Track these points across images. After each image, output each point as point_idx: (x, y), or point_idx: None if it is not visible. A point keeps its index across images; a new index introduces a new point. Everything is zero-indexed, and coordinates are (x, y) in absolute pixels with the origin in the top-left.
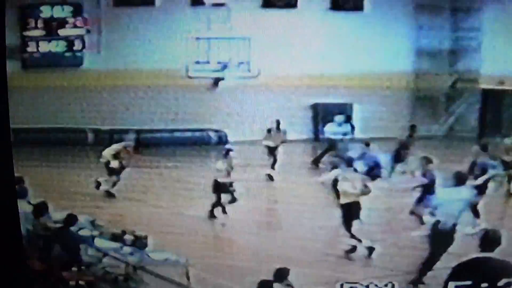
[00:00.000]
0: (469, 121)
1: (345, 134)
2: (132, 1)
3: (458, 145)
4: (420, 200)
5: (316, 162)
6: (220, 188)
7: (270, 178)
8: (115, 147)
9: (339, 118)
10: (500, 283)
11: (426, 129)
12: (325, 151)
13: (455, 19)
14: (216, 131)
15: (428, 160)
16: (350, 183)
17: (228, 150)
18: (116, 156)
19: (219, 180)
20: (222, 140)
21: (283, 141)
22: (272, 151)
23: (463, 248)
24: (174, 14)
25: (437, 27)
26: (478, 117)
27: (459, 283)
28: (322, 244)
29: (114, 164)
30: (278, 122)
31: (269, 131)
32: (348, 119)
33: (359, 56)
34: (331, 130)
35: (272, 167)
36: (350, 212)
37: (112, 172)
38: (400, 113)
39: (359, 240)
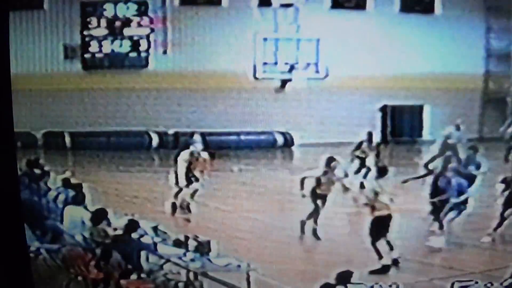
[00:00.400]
0: None
1: (461, 139)
2: (198, 0)
3: None
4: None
5: (426, 165)
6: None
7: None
8: (185, 157)
9: (458, 121)
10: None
11: (493, 131)
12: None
13: None
14: (282, 133)
15: (475, 150)
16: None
17: (331, 159)
18: (189, 168)
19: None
20: (288, 142)
21: (376, 155)
22: (363, 162)
23: None
24: (241, 15)
25: (507, 29)
26: None
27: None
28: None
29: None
30: (370, 134)
31: (360, 143)
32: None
33: (429, 58)
34: (449, 134)
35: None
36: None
37: (189, 182)
38: (470, 115)
39: (380, 256)
